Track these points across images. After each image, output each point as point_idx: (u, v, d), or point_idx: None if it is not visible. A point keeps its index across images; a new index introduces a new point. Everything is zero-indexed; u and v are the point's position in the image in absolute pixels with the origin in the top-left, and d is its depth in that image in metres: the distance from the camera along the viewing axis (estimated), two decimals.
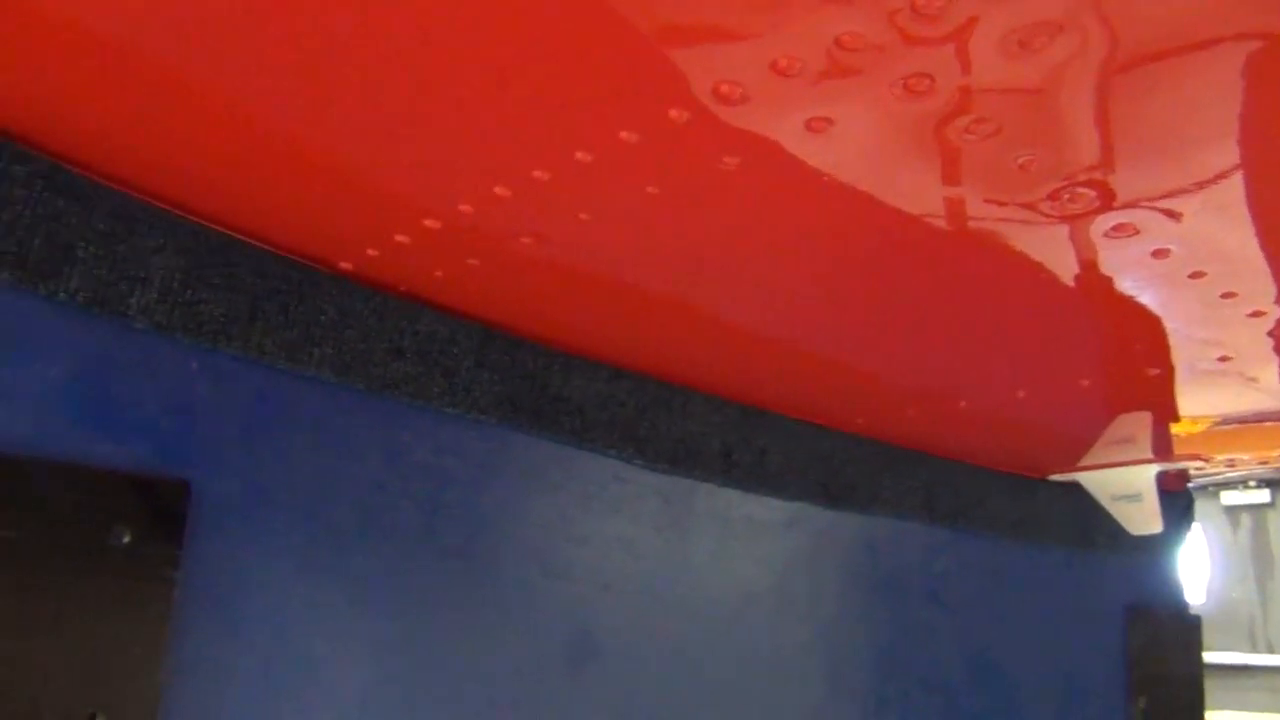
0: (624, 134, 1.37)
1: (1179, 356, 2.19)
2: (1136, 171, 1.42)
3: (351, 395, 1.95)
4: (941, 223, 1.59)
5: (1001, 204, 1.52)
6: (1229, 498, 8.48)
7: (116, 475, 1.65)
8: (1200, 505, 3.81)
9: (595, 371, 2.27)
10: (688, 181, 1.51)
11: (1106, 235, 1.58)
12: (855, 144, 1.37)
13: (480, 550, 2.14)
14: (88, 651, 1.58)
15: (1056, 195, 1.46)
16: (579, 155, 1.44)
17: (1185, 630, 3.57)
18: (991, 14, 1.10)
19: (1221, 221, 1.54)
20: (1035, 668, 3.11)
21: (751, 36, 1.16)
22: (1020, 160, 1.38)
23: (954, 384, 2.49)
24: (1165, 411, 2.67)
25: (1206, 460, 3.18)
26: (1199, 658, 3.57)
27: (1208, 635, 3.62)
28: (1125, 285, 1.79)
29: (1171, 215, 1.51)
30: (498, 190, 1.57)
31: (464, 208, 1.65)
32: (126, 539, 1.62)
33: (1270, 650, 8.20)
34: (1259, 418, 2.84)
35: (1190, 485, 3.63)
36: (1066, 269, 1.74)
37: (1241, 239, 1.60)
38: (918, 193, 1.51)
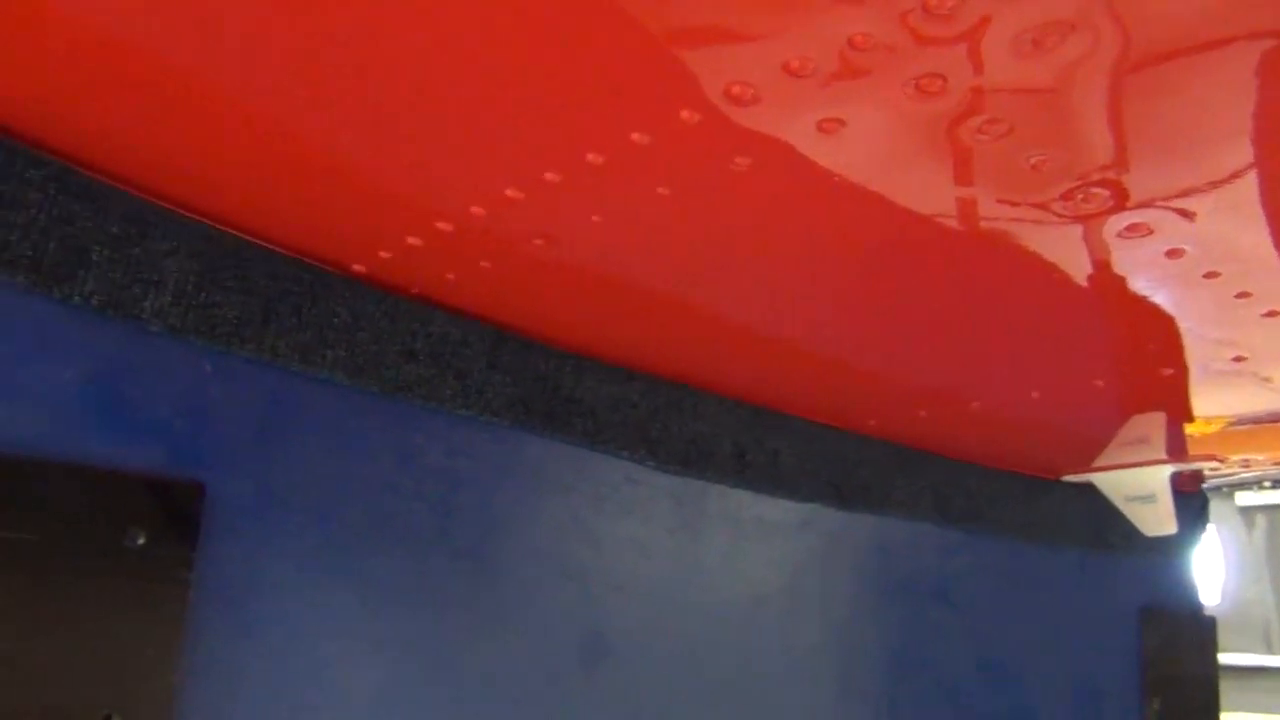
0: (635, 135, 1.37)
1: (1193, 357, 2.18)
2: (1150, 171, 1.41)
3: (364, 397, 1.96)
4: (954, 223, 1.59)
5: (1014, 204, 1.52)
6: (1244, 498, 8.44)
7: (131, 477, 1.66)
8: (1215, 506, 3.79)
9: (607, 373, 2.27)
10: (699, 183, 1.51)
11: (1120, 235, 1.57)
12: (867, 145, 1.37)
13: (493, 551, 2.14)
14: (103, 652, 1.59)
15: (1069, 195, 1.46)
16: (590, 157, 1.44)
17: (1200, 631, 3.55)
18: (1004, 14, 1.09)
19: (1236, 221, 1.53)
20: (1049, 669, 3.10)
21: (763, 37, 1.16)
22: (1033, 160, 1.38)
23: (967, 385, 2.49)
24: (1179, 412, 2.66)
25: (1221, 461, 3.17)
26: (1214, 659, 3.55)
27: (1222, 637, 3.60)
28: (1139, 285, 1.79)
29: (1185, 215, 1.51)
30: (509, 192, 1.57)
31: (476, 210, 1.65)
32: (141, 541, 1.63)
33: None
34: (1274, 418, 2.82)
35: (1205, 486, 3.61)
36: (1080, 269, 1.73)
37: (1256, 238, 1.59)
38: (930, 193, 1.51)
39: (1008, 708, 2.99)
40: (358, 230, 1.85)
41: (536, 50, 1.24)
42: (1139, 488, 2.89)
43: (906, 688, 2.79)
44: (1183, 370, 2.28)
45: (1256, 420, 2.84)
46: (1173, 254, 1.64)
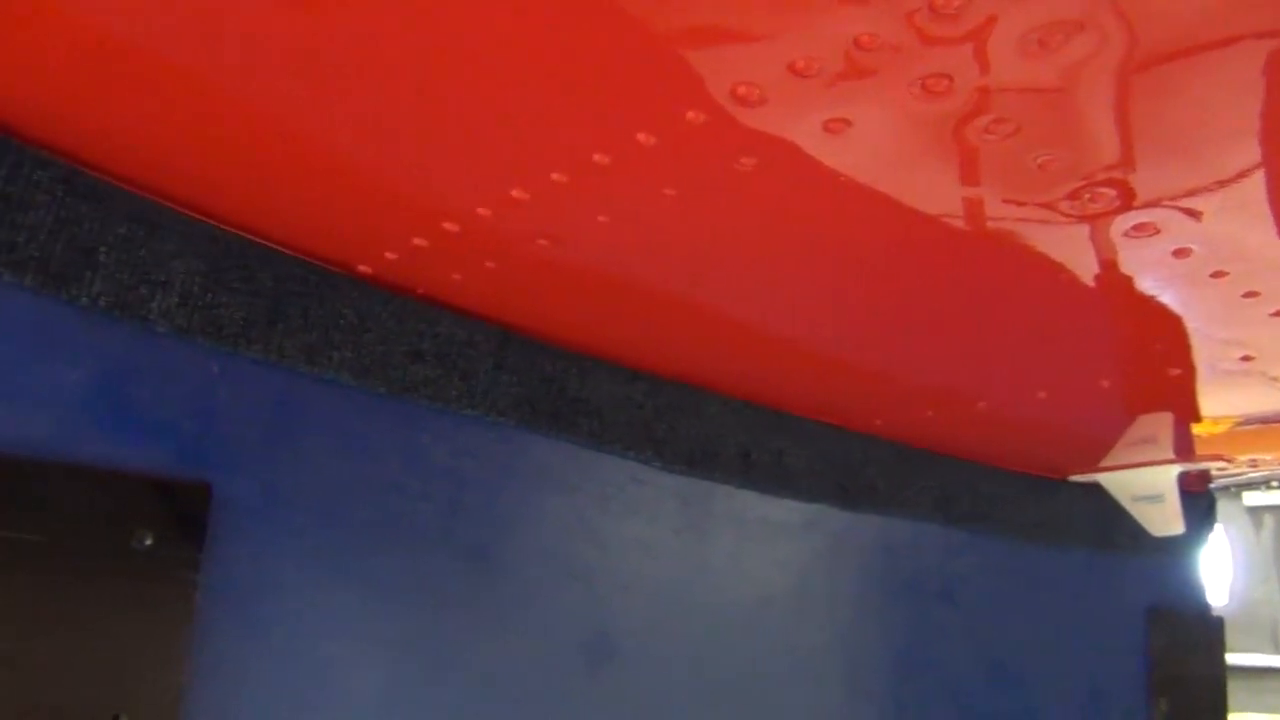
0: (641, 136, 1.37)
1: (1200, 356, 2.18)
2: (1156, 170, 1.41)
3: (370, 398, 1.96)
4: (960, 223, 1.58)
5: (1021, 204, 1.51)
6: (1251, 498, 8.40)
7: (138, 478, 1.66)
8: (1222, 506, 3.78)
9: (613, 374, 2.27)
10: (705, 183, 1.51)
11: (1126, 235, 1.57)
12: (873, 145, 1.37)
13: (499, 551, 2.14)
14: (110, 653, 1.60)
15: (1076, 195, 1.46)
16: (596, 157, 1.44)
17: (1207, 632, 3.54)
18: (1010, 13, 1.09)
19: (1243, 220, 1.53)
20: (1055, 670, 3.09)
21: (769, 38, 1.16)
22: (1039, 160, 1.37)
23: (973, 385, 2.48)
24: (1187, 412, 2.65)
25: (1229, 461, 3.15)
26: (1221, 659, 3.54)
27: (1230, 637, 3.59)
28: (1146, 285, 1.78)
29: (1192, 214, 1.50)
30: (515, 193, 1.57)
31: (482, 211, 1.65)
32: (149, 542, 1.63)
33: None
34: None
35: (1212, 486, 3.60)
36: (1086, 269, 1.73)
37: (1263, 238, 1.58)
38: (936, 193, 1.51)
39: (1014, 708, 2.98)
40: (364, 231, 1.85)
41: (542, 51, 1.24)
42: (1146, 488, 2.88)
43: (912, 688, 2.79)
44: (1190, 370, 2.27)
45: (1264, 420, 2.84)
46: (1180, 253, 1.63)
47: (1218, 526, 3.70)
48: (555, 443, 2.21)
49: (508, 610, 2.13)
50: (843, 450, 2.68)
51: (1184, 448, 2.76)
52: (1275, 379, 2.32)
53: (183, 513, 1.69)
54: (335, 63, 1.32)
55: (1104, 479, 3.00)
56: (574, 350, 2.21)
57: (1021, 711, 3.00)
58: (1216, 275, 1.72)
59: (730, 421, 2.46)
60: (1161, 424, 2.68)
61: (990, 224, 1.58)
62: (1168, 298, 1.84)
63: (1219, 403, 2.61)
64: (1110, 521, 3.07)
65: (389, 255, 1.88)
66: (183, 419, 1.75)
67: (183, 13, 1.25)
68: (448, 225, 1.72)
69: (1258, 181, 1.41)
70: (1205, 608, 3.57)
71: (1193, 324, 1.98)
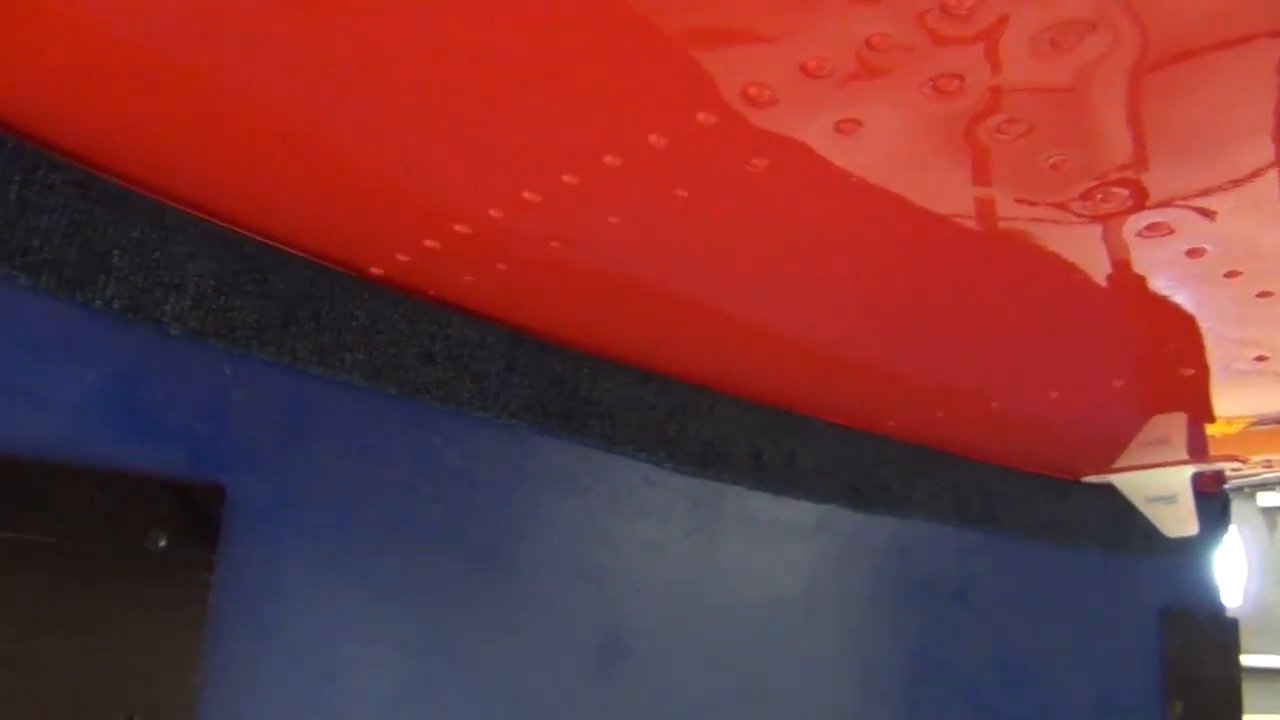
0: (652, 137, 1.37)
1: (1214, 356, 2.17)
2: (1170, 170, 1.41)
3: (383, 400, 1.97)
4: (972, 224, 1.58)
5: (1033, 204, 1.51)
6: (1266, 499, 8.37)
7: (152, 480, 1.67)
8: (1236, 507, 3.76)
9: (624, 375, 2.27)
10: (716, 184, 1.51)
11: (1140, 235, 1.56)
12: (885, 145, 1.36)
13: (510, 553, 2.14)
14: (124, 653, 1.60)
15: (1089, 195, 1.45)
16: (608, 159, 1.44)
17: (1222, 633, 3.52)
18: (1022, 13, 1.09)
19: (1257, 219, 1.52)
20: (1069, 672, 3.08)
21: (780, 38, 1.16)
22: (1052, 160, 1.37)
23: (985, 385, 2.48)
24: (1200, 412, 2.64)
25: (1243, 461, 3.14)
26: (1236, 661, 3.52)
27: (1245, 638, 3.58)
28: (1159, 285, 1.78)
29: (1205, 214, 1.50)
30: (527, 195, 1.57)
31: (493, 213, 1.65)
32: (163, 543, 1.64)
33: None
34: None
35: (1226, 487, 3.58)
36: (1099, 269, 1.72)
37: (1277, 237, 1.58)
38: (948, 194, 1.50)
39: (1027, 710, 2.97)
40: (376, 233, 1.85)
41: (554, 53, 1.24)
42: (1160, 488, 2.87)
43: (925, 690, 2.78)
44: (1204, 370, 2.26)
45: (1279, 420, 2.82)
46: (1193, 253, 1.62)
47: (1232, 527, 3.68)
48: (567, 444, 2.21)
49: (519, 611, 2.13)
50: (855, 451, 2.68)
51: (1198, 448, 2.75)
52: None
53: (196, 514, 1.70)
54: (348, 66, 1.32)
55: (1117, 480, 2.99)
56: (585, 352, 2.22)
57: (1035, 713, 2.99)
58: (1230, 275, 1.71)
59: (742, 422, 2.46)
60: (1175, 424, 2.67)
61: (1002, 224, 1.58)
62: (1181, 298, 1.84)
63: (1233, 403, 2.60)
64: (1124, 522, 3.06)
65: (401, 257, 1.89)
66: (196, 421, 1.76)
67: (197, 17, 1.25)
68: (459, 227, 1.72)
69: (1272, 180, 1.40)
70: (1220, 609, 3.55)
71: (1206, 324, 1.97)
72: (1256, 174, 1.39)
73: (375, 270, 1.94)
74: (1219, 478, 3.43)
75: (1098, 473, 3.02)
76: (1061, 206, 1.49)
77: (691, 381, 2.38)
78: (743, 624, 2.47)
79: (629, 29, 1.18)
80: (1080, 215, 1.51)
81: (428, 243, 1.80)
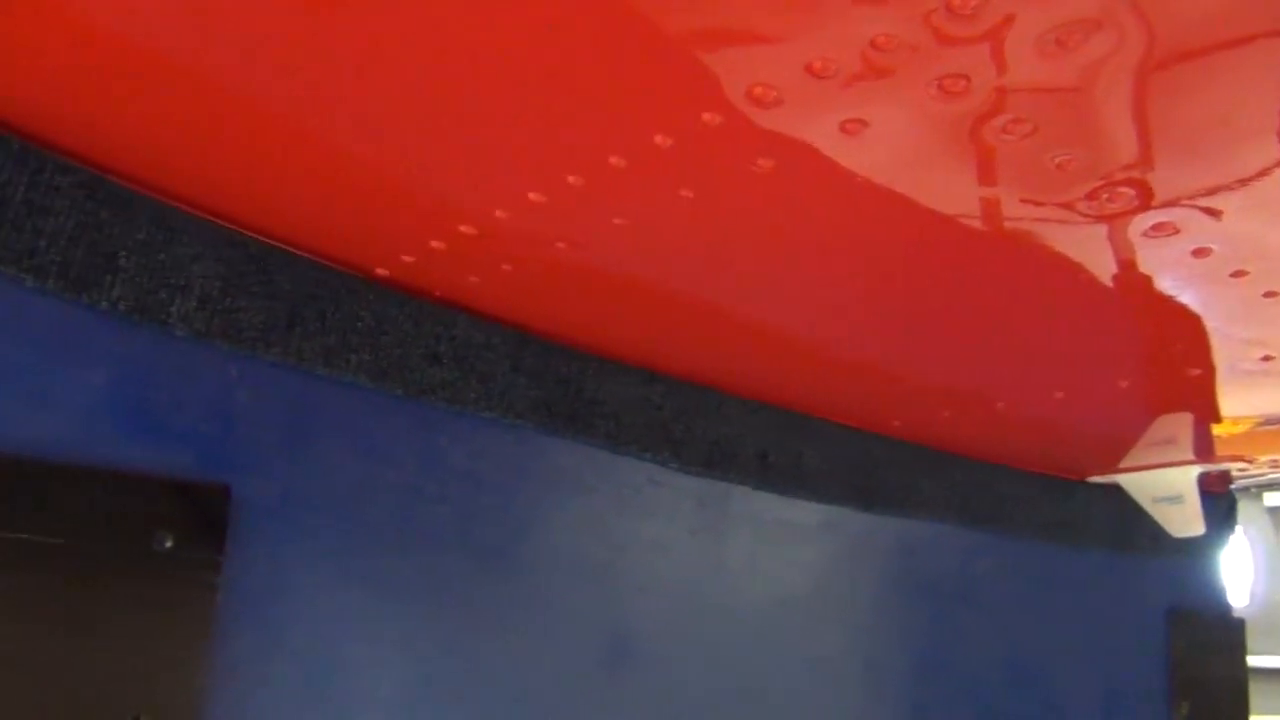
0: (658, 138, 1.37)
1: (1220, 356, 2.16)
2: (1176, 169, 1.40)
3: (388, 400, 1.97)
4: (978, 224, 1.58)
5: (1039, 204, 1.51)
6: (1272, 499, 8.32)
7: (159, 481, 1.67)
8: (1243, 507, 3.74)
9: (630, 375, 2.27)
10: (722, 185, 1.51)
11: (1145, 234, 1.56)
12: (890, 146, 1.36)
13: (516, 553, 2.14)
14: (131, 654, 1.61)
15: (1095, 195, 1.45)
16: (613, 160, 1.44)
17: (1228, 634, 3.51)
18: (1028, 12, 1.09)
19: (1264, 219, 1.52)
20: (1075, 672, 3.07)
21: (785, 39, 1.16)
22: (1057, 160, 1.37)
23: (991, 386, 2.47)
24: (1207, 412, 2.63)
25: (1249, 461, 3.13)
26: (1243, 662, 3.52)
27: (1251, 639, 3.57)
28: (1165, 285, 1.77)
29: (1212, 213, 1.49)
30: (532, 196, 1.57)
31: (499, 214, 1.66)
32: (169, 544, 1.64)
33: None
34: None
35: (1233, 487, 3.58)
36: (1105, 269, 1.72)
37: None
38: (953, 194, 1.50)
39: (1033, 710, 2.97)
40: (381, 234, 1.86)
41: (558, 53, 1.24)
42: (1166, 488, 2.87)
43: (931, 691, 2.78)
44: (1210, 370, 2.26)
45: None
46: (1199, 253, 1.62)
47: (1239, 528, 3.67)
48: (572, 444, 2.21)
49: (524, 611, 2.13)
50: (860, 451, 2.67)
51: (1204, 448, 2.75)
52: None
53: (202, 515, 1.70)
54: (352, 66, 1.32)
55: (1123, 480, 2.98)
56: (591, 352, 2.22)
57: (1041, 713, 2.99)
58: (1237, 275, 1.70)
59: (748, 423, 2.46)
60: (1181, 424, 2.66)
61: (1008, 224, 1.58)
62: (1187, 297, 1.83)
63: (1239, 403, 2.59)
64: (1130, 522, 3.05)
65: (406, 258, 1.89)
66: (201, 421, 1.76)
67: (203, 18, 1.25)
68: (465, 228, 1.72)
69: (1279, 179, 1.40)
70: (1226, 609, 3.55)
71: (1213, 324, 1.96)
72: (1264, 173, 1.38)
73: (381, 271, 1.94)
74: (1225, 478, 3.42)
75: (1103, 473, 3.01)
76: (1067, 206, 1.49)
77: (697, 382, 2.38)
78: (748, 624, 2.47)
79: (633, 29, 1.18)
80: (1086, 215, 1.51)
81: (433, 244, 1.80)
